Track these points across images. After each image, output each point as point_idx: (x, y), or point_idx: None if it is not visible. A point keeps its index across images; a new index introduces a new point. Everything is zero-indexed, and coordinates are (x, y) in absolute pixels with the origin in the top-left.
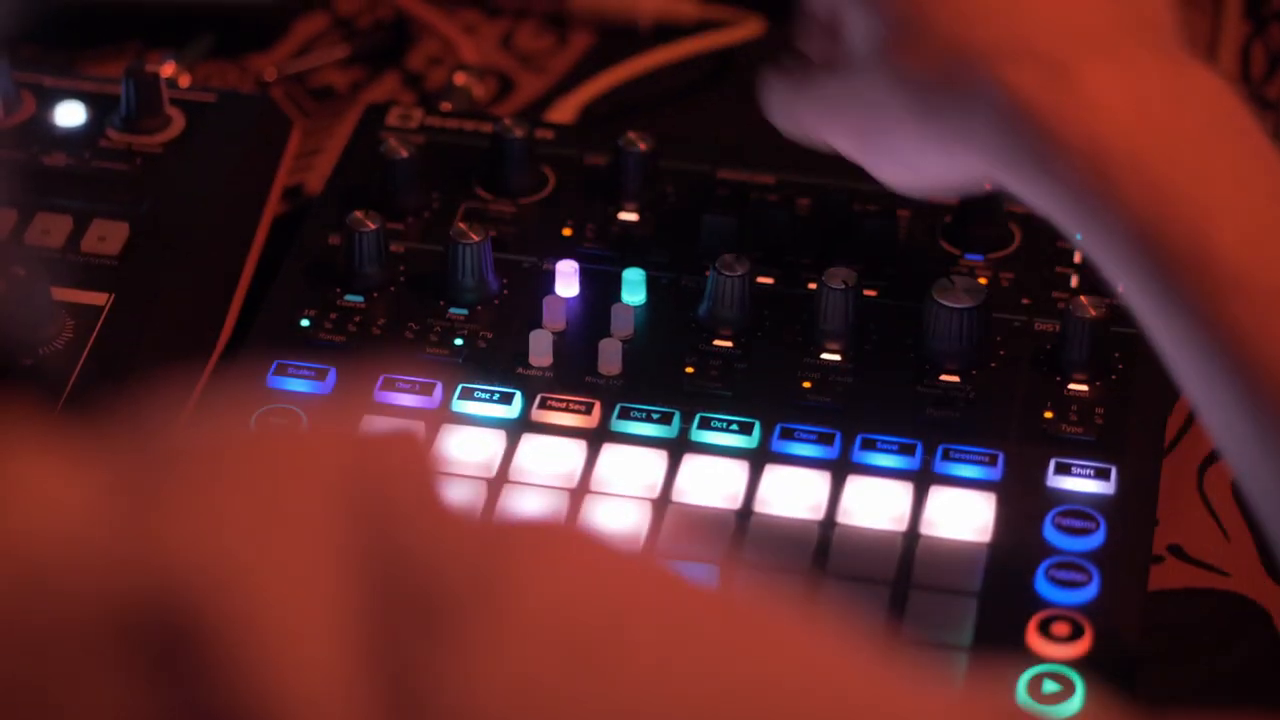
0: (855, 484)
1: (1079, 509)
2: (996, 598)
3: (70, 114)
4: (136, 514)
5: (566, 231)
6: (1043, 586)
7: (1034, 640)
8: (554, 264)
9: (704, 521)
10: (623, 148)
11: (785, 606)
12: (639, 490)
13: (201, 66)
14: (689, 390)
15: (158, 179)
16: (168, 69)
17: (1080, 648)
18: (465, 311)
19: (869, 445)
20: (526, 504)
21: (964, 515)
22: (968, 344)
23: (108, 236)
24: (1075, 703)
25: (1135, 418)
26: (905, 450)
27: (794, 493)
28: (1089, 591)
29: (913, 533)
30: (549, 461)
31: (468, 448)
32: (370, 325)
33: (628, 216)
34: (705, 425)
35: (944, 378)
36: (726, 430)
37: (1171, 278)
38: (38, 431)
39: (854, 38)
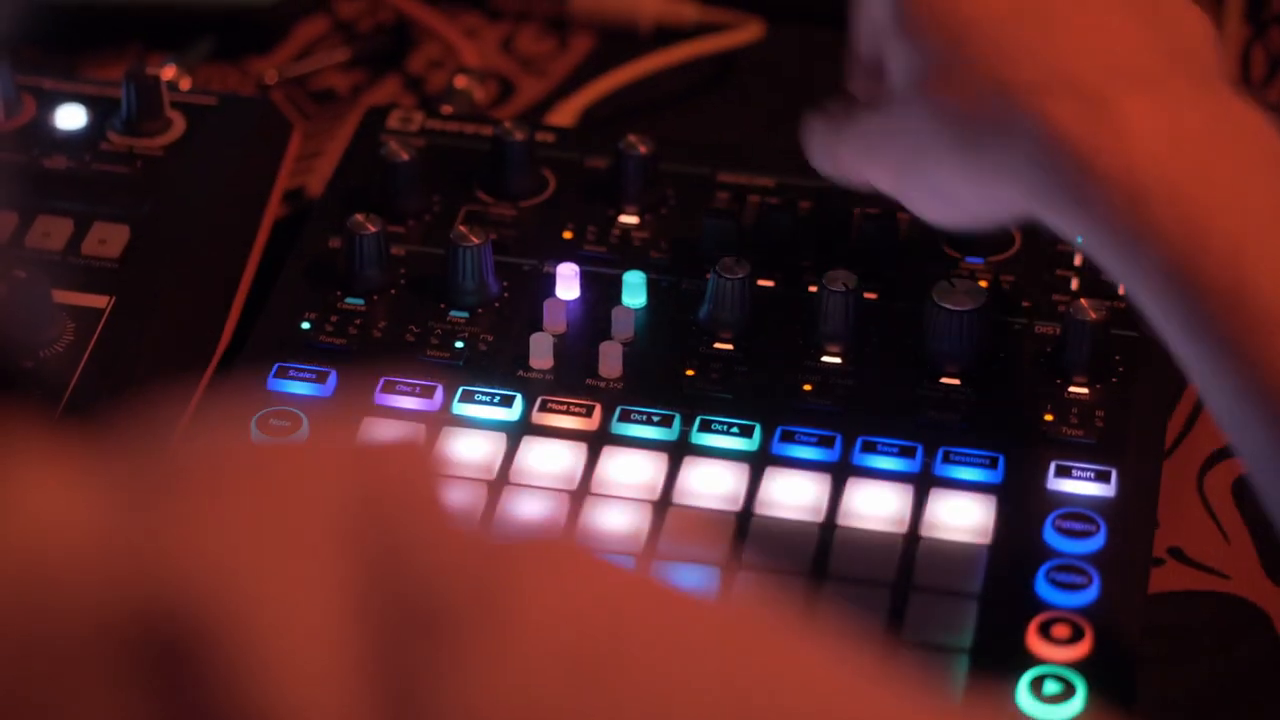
0: (856, 486)
1: (1079, 511)
2: (997, 600)
3: (71, 117)
4: (138, 525)
5: (567, 234)
6: (1043, 589)
7: (1034, 642)
8: (554, 267)
9: (704, 524)
10: (623, 150)
11: (785, 619)
12: (639, 493)
13: (202, 69)
14: (689, 393)
15: (158, 182)
16: (168, 72)
17: (1081, 650)
18: (466, 314)
19: (869, 448)
20: (527, 507)
21: (964, 517)
22: (968, 347)
23: (108, 239)
24: (1076, 705)
25: (1135, 420)
26: (906, 453)
27: (794, 495)
28: (1089, 594)
29: (913, 535)
30: (549, 464)
31: (468, 450)
32: (371, 328)
33: (628, 219)
34: (706, 428)
35: (944, 380)
36: (727, 433)
37: (1206, 313)
38: (39, 439)
39: (896, 74)
